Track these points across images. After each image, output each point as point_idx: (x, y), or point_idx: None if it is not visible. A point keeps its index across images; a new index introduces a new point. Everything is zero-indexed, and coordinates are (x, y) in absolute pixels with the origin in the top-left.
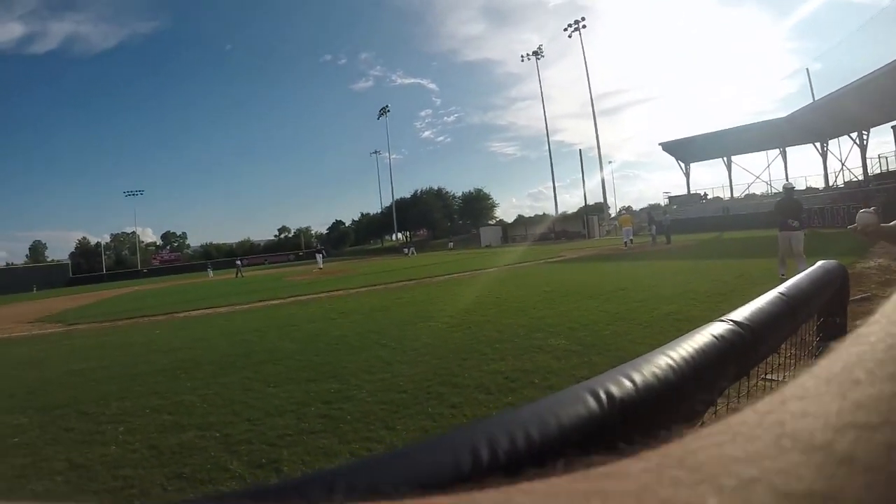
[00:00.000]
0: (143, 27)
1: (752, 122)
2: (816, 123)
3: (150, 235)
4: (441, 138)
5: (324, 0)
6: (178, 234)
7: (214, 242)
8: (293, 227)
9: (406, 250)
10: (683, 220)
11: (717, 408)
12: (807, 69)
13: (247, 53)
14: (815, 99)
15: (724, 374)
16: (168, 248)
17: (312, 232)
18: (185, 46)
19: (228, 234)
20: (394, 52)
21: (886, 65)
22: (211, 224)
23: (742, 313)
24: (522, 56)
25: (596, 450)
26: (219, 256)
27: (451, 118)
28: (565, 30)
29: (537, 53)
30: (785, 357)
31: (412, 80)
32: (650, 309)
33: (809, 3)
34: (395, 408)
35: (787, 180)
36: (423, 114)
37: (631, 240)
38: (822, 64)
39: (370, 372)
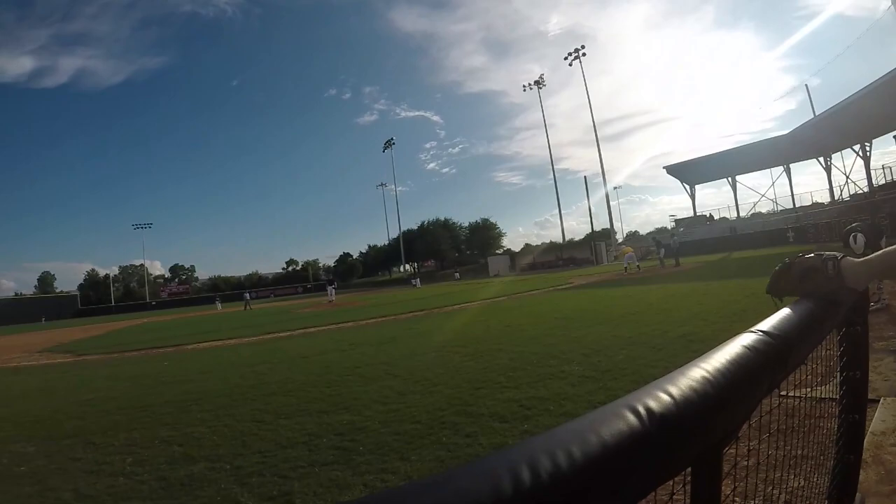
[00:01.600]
0: (151, 62)
1: (754, 141)
2: (819, 138)
3: (158, 268)
4: (446, 169)
5: (328, 35)
6: (186, 266)
7: (223, 275)
8: (301, 259)
9: (413, 281)
10: (691, 241)
11: (751, 422)
12: (805, 85)
13: (253, 89)
14: (816, 114)
15: (760, 385)
16: (176, 280)
17: (320, 264)
18: (191, 82)
19: (236, 266)
20: (398, 86)
21: (885, 75)
22: (219, 257)
23: (770, 323)
24: (525, 86)
25: (639, 466)
26: (227, 289)
27: (456, 149)
28: (565, 58)
29: (539, 83)
30: (809, 368)
31: (416, 113)
32: (662, 332)
33: (805, 25)
34: (410, 438)
35: (793, 196)
36: (427, 146)
37: (638, 266)
38: (821, 79)
39: (383, 402)
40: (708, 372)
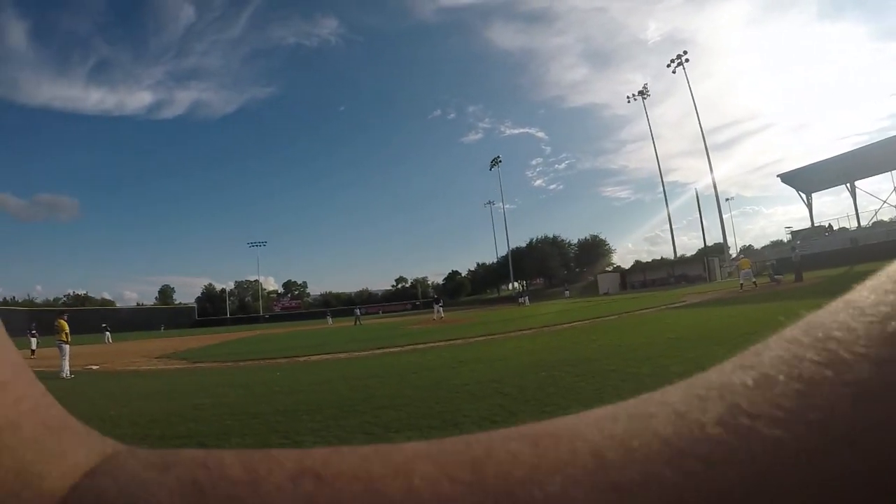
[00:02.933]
0: (260, 93)
1: (873, 141)
2: None
3: (272, 283)
4: (553, 186)
5: (428, 57)
6: (299, 282)
7: (334, 291)
8: (410, 277)
9: (520, 299)
10: (809, 255)
11: None
12: None
13: (360, 112)
14: None
15: None
16: (289, 295)
17: (429, 282)
18: (300, 109)
19: (347, 283)
20: (501, 104)
21: None
22: (330, 273)
23: None
24: (628, 97)
25: None
26: (338, 305)
27: (562, 165)
28: (668, 66)
29: (643, 93)
30: None
31: (521, 130)
32: None
33: None
34: None
35: None
36: (533, 162)
37: (754, 282)
38: None
39: (493, 420)
40: None
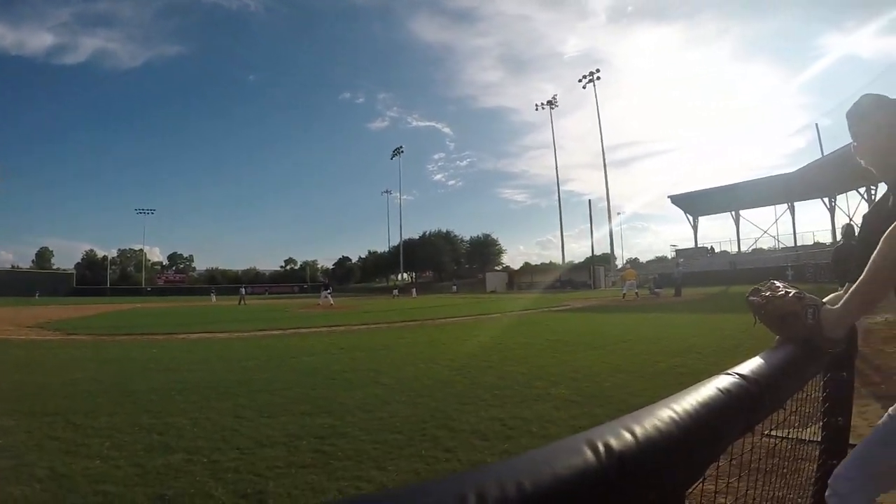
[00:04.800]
0: (170, 50)
1: (760, 176)
2: (825, 178)
3: (157, 255)
4: (452, 182)
5: (349, 39)
6: (185, 255)
7: (220, 268)
8: (300, 259)
9: (394, 292)
10: (690, 273)
11: (720, 463)
12: (816, 124)
13: (269, 85)
14: (824, 154)
15: (730, 428)
16: (174, 268)
17: (319, 266)
18: (208, 73)
19: (235, 260)
20: (412, 95)
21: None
22: (219, 249)
23: (749, 367)
24: (537, 105)
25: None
26: (224, 282)
27: (464, 163)
28: (580, 81)
29: (552, 103)
30: (789, 412)
31: (428, 123)
32: (654, 362)
33: (819, 61)
34: (389, 448)
35: (795, 234)
36: (436, 157)
37: (636, 293)
38: (832, 120)
39: (366, 410)
40: (676, 412)
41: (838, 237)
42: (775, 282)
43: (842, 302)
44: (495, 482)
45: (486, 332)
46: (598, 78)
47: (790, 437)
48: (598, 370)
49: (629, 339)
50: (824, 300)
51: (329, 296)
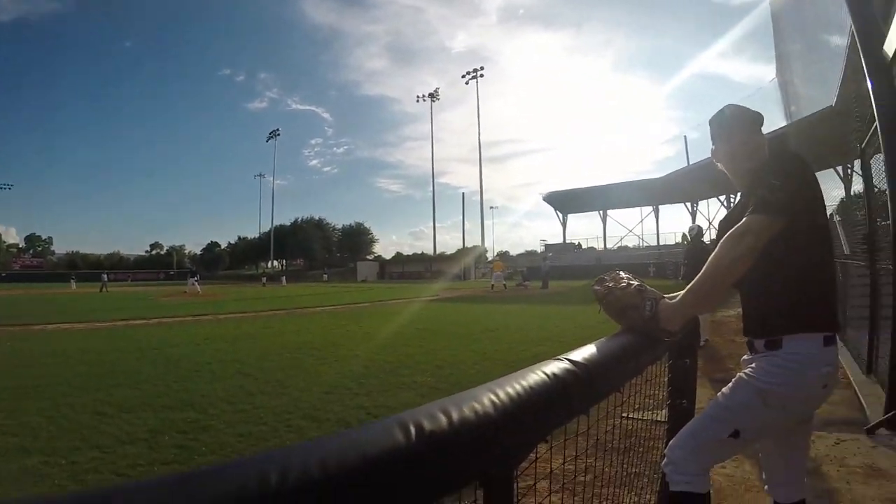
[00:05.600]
0: (45, 7)
1: (629, 180)
2: (688, 185)
3: (13, 236)
4: (328, 168)
5: (239, 14)
6: (43, 238)
7: (81, 252)
8: (166, 244)
9: (263, 279)
10: (559, 267)
11: (592, 439)
12: (685, 136)
13: (145, 54)
14: (689, 164)
15: (556, 410)
16: (31, 252)
17: (187, 251)
18: (81, 35)
19: (97, 244)
20: (295, 76)
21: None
22: (79, 231)
23: (582, 353)
24: (419, 97)
25: (401, 483)
26: (84, 267)
27: (341, 149)
28: (463, 76)
29: (433, 95)
30: (654, 392)
31: (308, 107)
32: (518, 350)
33: (694, 79)
34: (254, 441)
35: (658, 234)
36: (313, 142)
37: (504, 284)
38: (699, 133)
39: (230, 402)
40: (497, 395)
41: (683, 239)
42: (621, 273)
43: (678, 297)
44: (300, 462)
45: (355, 321)
46: (482, 75)
47: (644, 418)
48: (463, 359)
49: (496, 328)
50: (671, 295)
51: (196, 283)
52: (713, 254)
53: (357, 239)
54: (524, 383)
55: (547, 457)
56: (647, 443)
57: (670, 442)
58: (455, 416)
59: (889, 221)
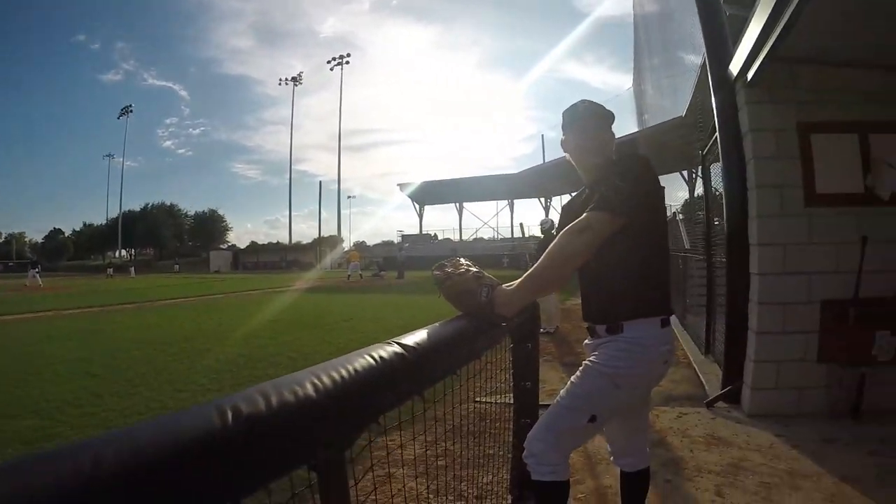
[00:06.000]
0: None
1: (487, 174)
2: (542, 182)
3: None
4: (182, 150)
5: None
6: None
7: None
8: (4, 231)
9: (108, 271)
10: (414, 257)
11: (447, 424)
12: (542, 135)
13: None
14: (545, 161)
15: (383, 395)
16: None
17: (27, 239)
18: None
19: None
20: (153, 49)
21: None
22: None
23: (413, 338)
24: (281, 80)
25: (218, 468)
26: None
27: (197, 131)
28: (329, 62)
29: (297, 80)
30: (506, 377)
31: (164, 84)
32: (373, 339)
33: (555, 82)
34: None
35: (513, 227)
36: (168, 121)
37: (360, 274)
38: (557, 133)
39: (77, 405)
40: (319, 378)
41: (521, 233)
42: (462, 259)
43: (514, 284)
44: (114, 449)
45: (207, 313)
46: (348, 62)
47: (496, 402)
48: (317, 349)
49: (352, 318)
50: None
51: (37, 275)
52: (553, 243)
53: (210, 227)
54: (350, 367)
55: (405, 443)
56: (499, 424)
57: (529, 434)
58: (274, 400)
59: (724, 221)
